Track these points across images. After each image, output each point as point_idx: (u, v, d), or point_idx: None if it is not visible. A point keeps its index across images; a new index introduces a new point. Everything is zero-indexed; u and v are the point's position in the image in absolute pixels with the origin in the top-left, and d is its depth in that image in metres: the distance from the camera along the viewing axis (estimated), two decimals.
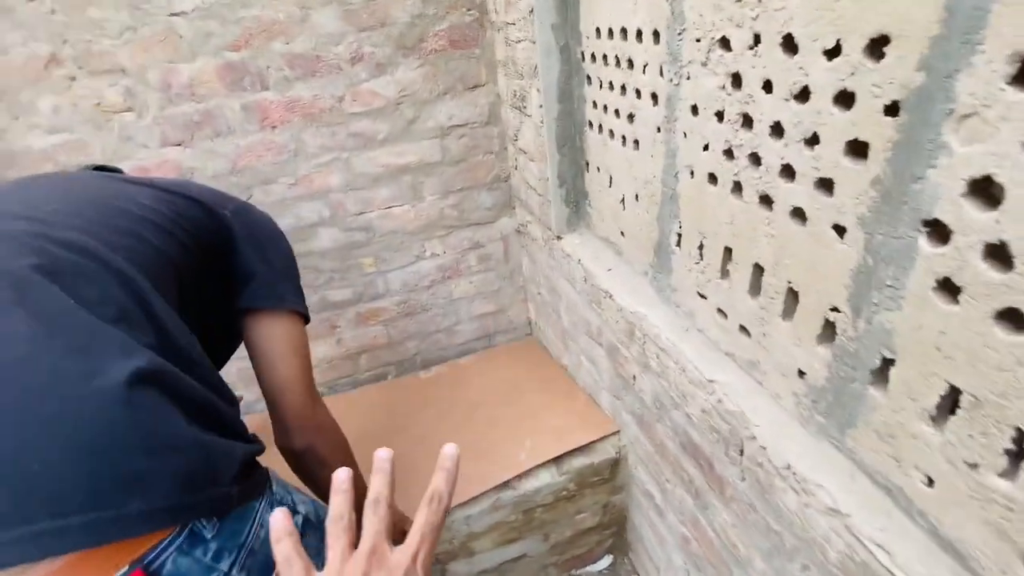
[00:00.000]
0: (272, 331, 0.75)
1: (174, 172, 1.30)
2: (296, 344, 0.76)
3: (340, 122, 1.35)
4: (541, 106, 1.12)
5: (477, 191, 1.54)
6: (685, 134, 0.75)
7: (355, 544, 0.37)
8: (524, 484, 1.19)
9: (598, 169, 1.09)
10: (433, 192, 1.51)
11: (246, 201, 0.83)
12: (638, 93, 0.85)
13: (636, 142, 0.90)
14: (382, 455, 0.41)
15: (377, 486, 0.39)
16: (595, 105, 1.03)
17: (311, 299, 1.02)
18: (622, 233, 1.05)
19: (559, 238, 1.27)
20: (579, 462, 1.21)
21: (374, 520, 0.38)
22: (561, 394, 1.41)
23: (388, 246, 1.54)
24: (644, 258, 0.98)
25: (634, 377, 1.04)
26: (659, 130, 0.82)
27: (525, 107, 1.24)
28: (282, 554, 0.36)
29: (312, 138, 1.36)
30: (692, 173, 0.76)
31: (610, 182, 1.04)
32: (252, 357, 0.76)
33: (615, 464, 1.23)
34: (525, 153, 1.34)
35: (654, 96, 0.81)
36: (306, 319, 0.81)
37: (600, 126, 1.03)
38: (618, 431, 1.23)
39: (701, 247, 0.78)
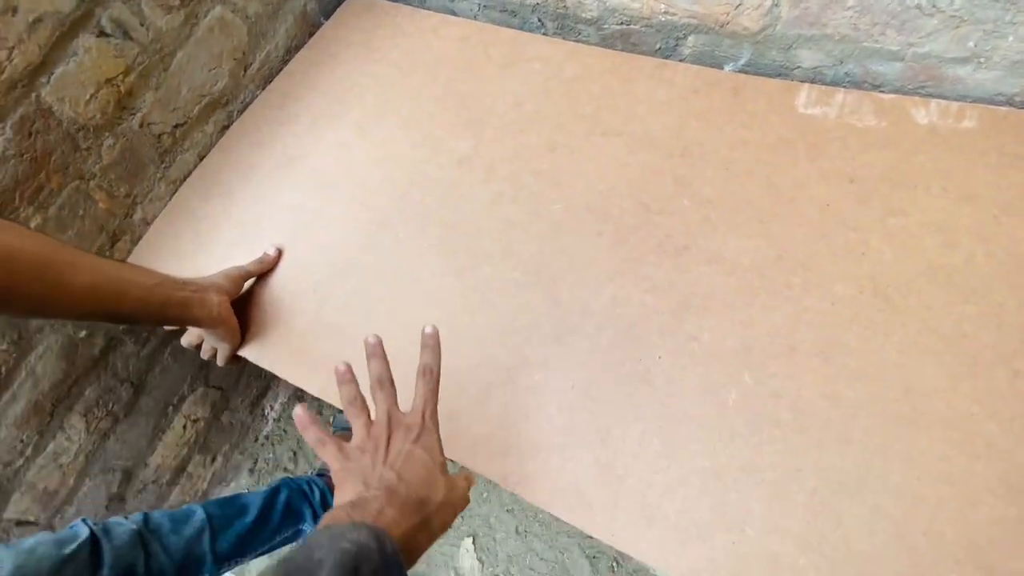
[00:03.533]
0: None
1: None
2: None
3: None
4: None
5: None
6: None
7: (371, 418, 0.45)
8: None
9: None
10: None
11: None
12: None
13: None
14: (372, 341, 0.46)
15: (377, 370, 0.46)
16: None
17: None
18: None
19: None
20: None
21: (383, 396, 0.45)
22: None
23: None
24: None
25: None
26: None
27: None
28: (313, 437, 0.43)
29: None
30: None
31: None
32: None
33: None
34: None
35: None
36: None
37: None
38: None
39: None
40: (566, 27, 0.83)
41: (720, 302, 0.58)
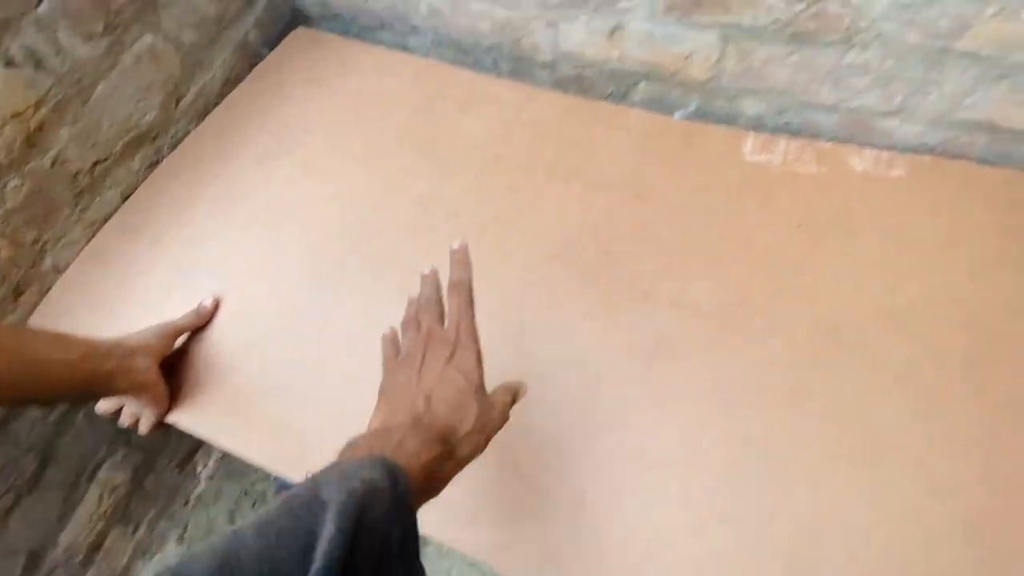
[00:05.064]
0: None
1: None
2: None
3: None
4: None
5: None
6: None
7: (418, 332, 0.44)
8: None
9: None
10: None
11: None
12: None
13: None
14: (426, 272, 0.46)
15: (427, 293, 0.45)
16: None
17: None
18: None
19: None
20: None
21: (426, 314, 0.44)
22: None
23: None
24: None
25: None
26: None
27: None
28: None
29: None
30: None
31: None
32: None
33: None
34: None
35: None
36: None
37: None
38: None
39: None
40: (520, 70, 0.83)
41: (687, 346, 0.58)
